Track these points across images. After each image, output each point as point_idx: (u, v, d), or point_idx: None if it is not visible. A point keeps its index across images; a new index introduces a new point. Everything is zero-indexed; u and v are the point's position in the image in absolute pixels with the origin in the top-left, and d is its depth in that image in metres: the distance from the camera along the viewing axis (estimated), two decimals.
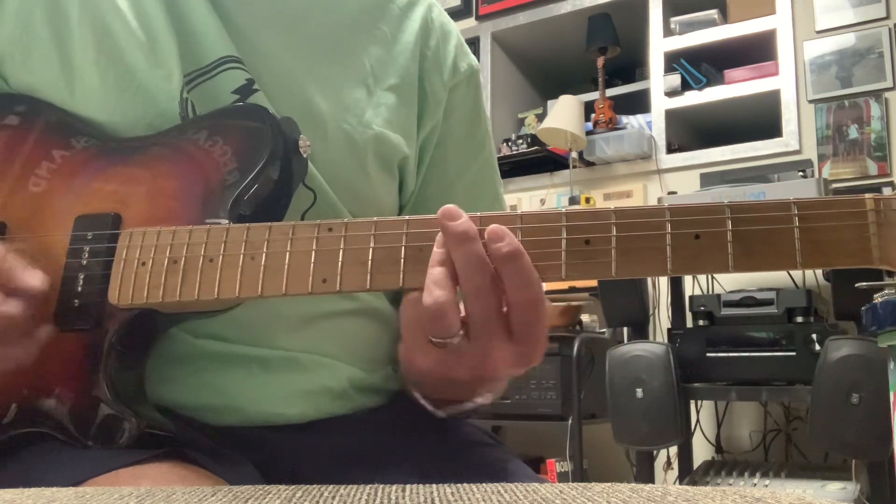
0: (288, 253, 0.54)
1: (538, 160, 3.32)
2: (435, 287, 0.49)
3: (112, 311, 0.57)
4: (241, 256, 0.54)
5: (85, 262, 0.58)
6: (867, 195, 0.47)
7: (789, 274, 2.65)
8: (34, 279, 0.56)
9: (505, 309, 0.51)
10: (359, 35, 0.74)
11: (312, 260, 0.53)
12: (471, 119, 0.81)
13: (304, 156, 0.62)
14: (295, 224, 0.55)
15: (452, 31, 0.81)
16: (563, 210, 0.51)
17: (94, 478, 0.53)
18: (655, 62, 3.23)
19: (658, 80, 3.21)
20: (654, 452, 2.50)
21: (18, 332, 0.55)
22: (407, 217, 0.53)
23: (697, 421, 2.70)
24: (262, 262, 0.54)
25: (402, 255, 0.52)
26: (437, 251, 0.51)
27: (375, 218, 0.54)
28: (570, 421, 2.49)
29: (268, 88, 0.66)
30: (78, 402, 0.57)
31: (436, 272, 0.50)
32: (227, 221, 0.57)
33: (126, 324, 0.57)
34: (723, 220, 0.48)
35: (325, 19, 0.73)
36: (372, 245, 0.53)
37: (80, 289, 0.58)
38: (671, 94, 3.17)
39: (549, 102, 3.55)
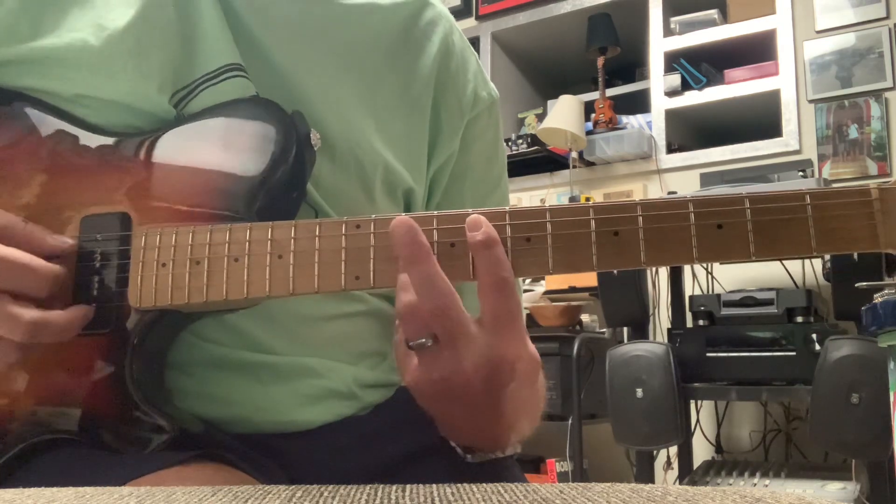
0: (317, 251, 0.54)
1: (538, 160, 3.32)
2: (401, 291, 0.51)
3: (132, 312, 0.56)
4: (269, 255, 0.54)
5: (98, 264, 0.57)
6: (872, 184, 0.51)
7: (789, 274, 2.65)
8: (60, 239, 0.56)
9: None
10: (376, 61, 0.72)
11: (343, 258, 0.54)
12: (490, 153, 0.79)
13: (315, 149, 0.61)
14: (321, 222, 0.55)
15: (471, 57, 0.79)
16: (590, 204, 0.53)
17: (139, 478, 0.52)
18: (655, 62, 3.23)
19: (658, 80, 3.21)
20: (654, 452, 2.50)
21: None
22: (435, 213, 0.54)
23: (697, 421, 2.70)
24: (291, 261, 0.54)
25: (435, 252, 0.53)
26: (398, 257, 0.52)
27: (404, 214, 0.54)
28: (570, 421, 2.49)
29: (275, 99, 0.64)
30: (107, 407, 0.56)
31: (403, 278, 0.52)
32: (245, 218, 0.56)
33: (148, 325, 0.56)
34: (742, 211, 0.51)
35: (344, 37, 0.71)
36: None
37: (95, 292, 0.56)
38: (671, 94, 3.17)
39: (549, 102, 3.55)
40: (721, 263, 2.31)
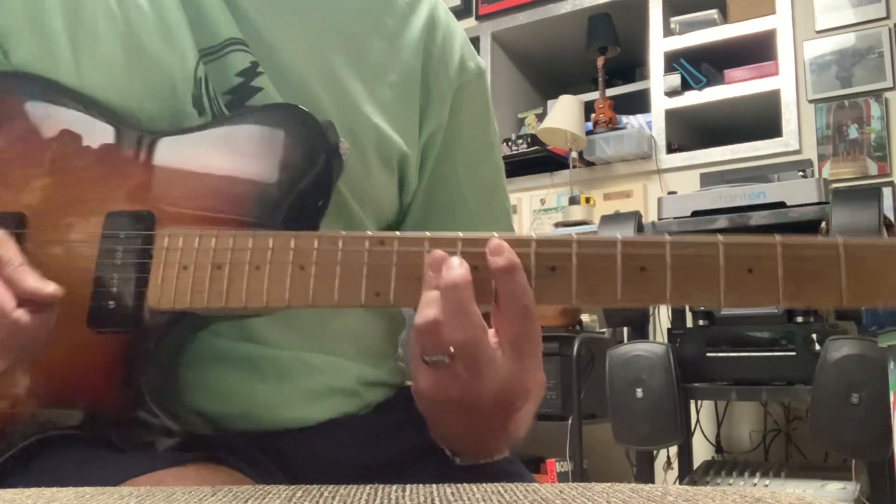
0: (338, 265, 0.53)
1: (538, 160, 3.32)
2: (426, 307, 0.50)
3: (151, 313, 0.56)
4: (290, 265, 0.54)
5: (119, 261, 0.57)
6: None
7: None
8: (47, 288, 0.54)
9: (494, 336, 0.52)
10: (363, 27, 0.74)
11: (364, 273, 0.53)
12: (480, 120, 0.80)
13: (343, 159, 0.61)
14: (343, 236, 0.54)
15: (458, 30, 0.80)
16: (619, 238, 0.51)
17: (135, 477, 0.52)
18: (655, 62, 3.23)
19: (658, 80, 3.20)
20: (654, 452, 2.50)
21: (43, 336, 0.54)
22: (461, 235, 0.53)
23: (697, 421, 2.70)
24: (312, 273, 0.54)
25: None
26: (430, 275, 0.51)
27: (428, 234, 0.53)
28: (570, 421, 2.49)
29: (270, 74, 0.65)
30: (119, 407, 0.56)
31: (430, 295, 0.51)
32: (269, 225, 0.56)
33: (165, 326, 0.56)
34: (774, 257, 0.50)
35: (330, 8, 0.73)
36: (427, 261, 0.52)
37: (114, 290, 0.56)
38: (671, 94, 3.17)
39: (549, 102, 3.55)
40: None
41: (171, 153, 0.60)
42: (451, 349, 0.50)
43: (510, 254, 0.51)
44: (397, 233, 0.54)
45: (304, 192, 0.59)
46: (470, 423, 0.54)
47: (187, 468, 0.54)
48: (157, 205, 0.58)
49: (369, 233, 0.54)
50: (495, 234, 0.52)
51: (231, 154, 0.60)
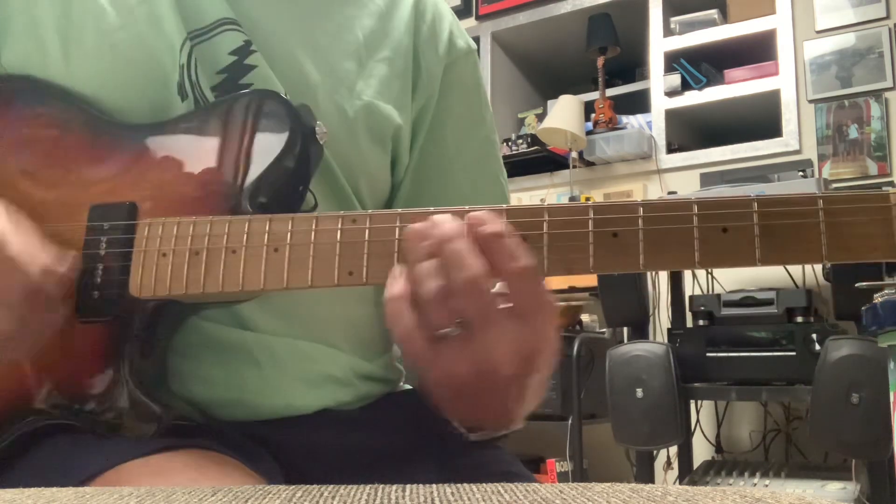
0: (312, 245, 0.54)
1: (538, 160, 3.32)
2: (427, 279, 0.49)
3: (134, 302, 0.57)
4: (265, 248, 0.55)
5: (103, 252, 0.58)
6: (892, 189, 0.47)
7: (789, 274, 2.65)
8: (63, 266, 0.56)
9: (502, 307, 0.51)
10: (352, 7, 0.75)
11: (337, 252, 0.53)
12: (470, 96, 0.81)
13: (321, 143, 0.61)
14: (318, 216, 0.55)
15: (446, 11, 0.82)
16: (591, 203, 0.51)
17: (126, 462, 0.53)
18: (655, 62, 3.23)
19: (658, 80, 3.20)
20: (654, 452, 2.50)
21: (39, 322, 0.55)
22: (432, 209, 0.52)
23: (697, 421, 2.70)
24: (287, 254, 0.54)
25: None
26: (422, 246, 0.51)
27: (399, 210, 0.54)
28: (570, 421, 2.49)
29: (262, 53, 0.66)
30: (105, 395, 0.57)
31: (425, 267, 0.50)
32: (248, 211, 0.57)
33: (148, 315, 0.57)
34: (749, 214, 0.48)
35: None
36: (398, 237, 0.52)
37: (98, 280, 0.57)
38: (671, 93, 3.17)
39: (549, 102, 3.55)
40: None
41: (154, 146, 0.61)
42: (458, 319, 0.49)
43: (494, 221, 0.50)
44: (369, 211, 0.54)
45: (283, 177, 0.60)
46: (488, 393, 0.53)
47: (178, 453, 0.55)
48: (139, 196, 0.59)
49: (342, 213, 0.54)
50: (465, 207, 0.51)
51: (210, 144, 0.61)
